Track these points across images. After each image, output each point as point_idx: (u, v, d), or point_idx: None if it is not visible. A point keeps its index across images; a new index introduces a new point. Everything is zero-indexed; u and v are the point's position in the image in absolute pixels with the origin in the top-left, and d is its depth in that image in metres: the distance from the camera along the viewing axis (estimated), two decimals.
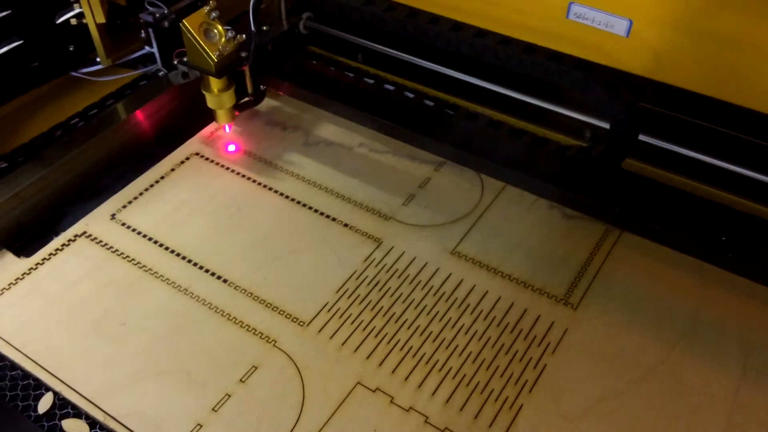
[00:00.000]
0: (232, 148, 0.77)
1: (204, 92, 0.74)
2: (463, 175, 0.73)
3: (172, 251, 0.66)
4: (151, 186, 0.73)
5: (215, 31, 0.69)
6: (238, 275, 0.64)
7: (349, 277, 0.63)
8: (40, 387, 0.56)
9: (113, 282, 0.63)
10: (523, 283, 0.63)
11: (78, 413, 0.54)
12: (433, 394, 0.55)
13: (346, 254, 0.66)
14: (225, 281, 0.63)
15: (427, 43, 0.67)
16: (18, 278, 0.63)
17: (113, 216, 0.69)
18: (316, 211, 0.70)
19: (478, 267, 0.64)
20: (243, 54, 0.72)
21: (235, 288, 0.63)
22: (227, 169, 0.75)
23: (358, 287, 0.63)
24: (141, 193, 0.72)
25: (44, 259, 0.65)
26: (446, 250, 0.66)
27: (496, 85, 0.75)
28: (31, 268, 0.64)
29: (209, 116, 0.79)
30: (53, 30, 0.79)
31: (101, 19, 0.76)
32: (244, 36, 0.71)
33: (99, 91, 0.83)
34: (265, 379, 0.56)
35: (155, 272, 0.64)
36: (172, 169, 0.74)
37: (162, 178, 0.73)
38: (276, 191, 0.72)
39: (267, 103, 0.83)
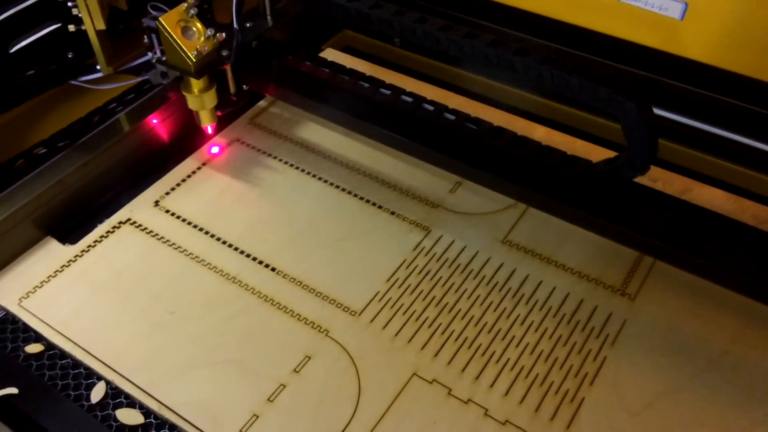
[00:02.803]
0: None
1: (184, 93, 0.70)
2: None
3: (218, 239, 0.65)
4: (193, 173, 0.71)
5: (194, 29, 0.66)
6: (286, 263, 0.63)
7: (399, 266, 0.62)
8: (92, 376, 0.55)
9: (160, 269, 0.62)
10: (578, 273, 0.62)
11: (131, 403, 0.53)
12: (492, 386, 0.54)
13: (395, 243, 0.64)
14: (273, 269, 0.62)
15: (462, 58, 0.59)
16: (64, 265, 0.62)
17: (157, 203, 0.68)
18: (362, 198, 0.68)
19: (531, 256, 0.63)
20: (224, 53, 0.69)
21: (283, 276, 0.62)
22: (269, 155, 0.73)
23: (408, 276, 0.61)
24: (183, 180, 0.71)
25: (90, 246, 0.64)
26: (497, 239, 0.65)
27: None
28: (77, 255, 0.63)
29: (253, 99, 0.78)
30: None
31: (101, 26, 0.71)
32: (224, 35, 0.68)
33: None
34: (320, 370, 0.55)
35: (202, 260, 0.63)
36: (214, 156, 0.73)
37: (204, 164, 0.72)
38: (320, 178, 0.71)
39: None
